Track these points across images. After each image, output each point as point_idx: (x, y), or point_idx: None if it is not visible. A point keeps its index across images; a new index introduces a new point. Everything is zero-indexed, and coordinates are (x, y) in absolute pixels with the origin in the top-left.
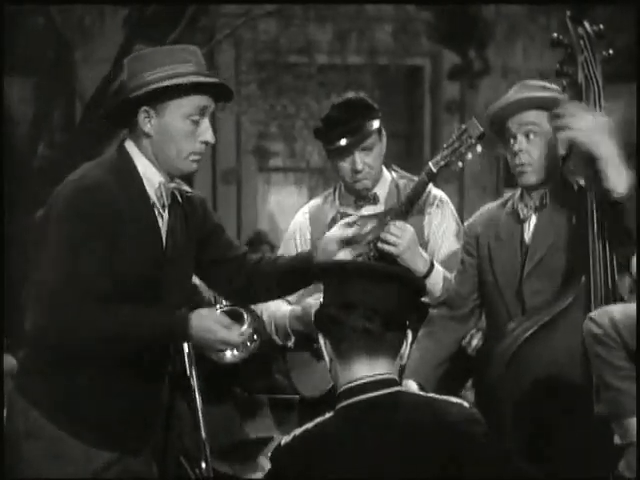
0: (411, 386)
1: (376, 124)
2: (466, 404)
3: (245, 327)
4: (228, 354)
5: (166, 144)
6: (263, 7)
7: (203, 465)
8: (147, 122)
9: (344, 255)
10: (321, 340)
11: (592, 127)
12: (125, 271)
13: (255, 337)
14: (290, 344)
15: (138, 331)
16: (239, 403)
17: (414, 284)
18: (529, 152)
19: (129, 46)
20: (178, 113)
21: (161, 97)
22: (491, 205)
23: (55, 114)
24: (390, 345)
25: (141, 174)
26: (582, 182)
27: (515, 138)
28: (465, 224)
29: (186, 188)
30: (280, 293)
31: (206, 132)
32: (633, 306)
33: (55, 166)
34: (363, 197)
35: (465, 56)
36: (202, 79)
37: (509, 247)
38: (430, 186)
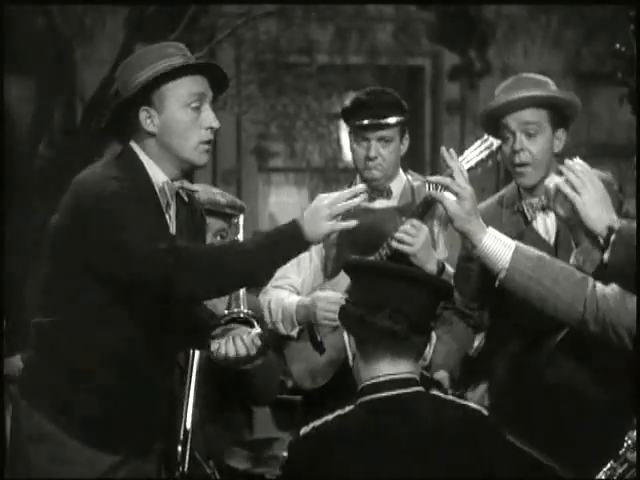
0: (442, 376)
1: (396, 119)
2: (485, 411)
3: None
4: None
5: (172, 139)
6: (263, 7)
7: (185, 466)
8: (149, 121)
9: (331, 228)
10: (346, 337)
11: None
12: (134, 270)
13: (265, 349)
14: (294, 333)
15: (264, 257)
16: (241, 406)
17: (441, 288)
18: (529, 150)
19: (130, 46)
20: (177, 104)
21: (154, 89)
22: (485, 204)
23: (55, 114)
24: (414, 347)
25: (149, 173)
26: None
27: (514, 136)
28: None
29: (191, 186)
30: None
31: (208, 117)
32: None
33: (56, 167)
34: (377, 190)
35: (465, 56)
36: (189, 61)
37: None
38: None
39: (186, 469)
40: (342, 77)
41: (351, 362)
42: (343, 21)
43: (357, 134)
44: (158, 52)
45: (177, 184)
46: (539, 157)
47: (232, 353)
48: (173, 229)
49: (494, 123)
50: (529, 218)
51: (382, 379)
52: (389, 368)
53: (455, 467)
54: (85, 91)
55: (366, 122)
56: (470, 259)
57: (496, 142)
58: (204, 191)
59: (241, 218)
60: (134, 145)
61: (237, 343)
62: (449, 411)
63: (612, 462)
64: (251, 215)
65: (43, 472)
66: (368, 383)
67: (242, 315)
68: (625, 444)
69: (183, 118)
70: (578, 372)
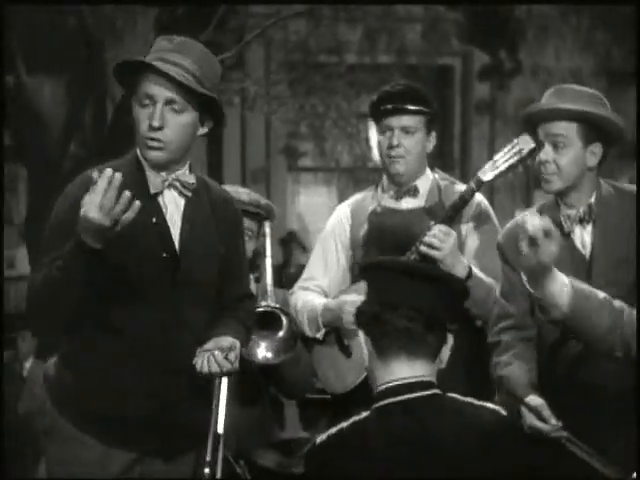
0: (538, 402)
1: (417, 107)
2: (503, 411)
3: None
4: (260, 355)
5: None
6: (293, 7)
7: (218, 470)
8: (133, 112)
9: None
10: (362, 337)
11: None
12: (126, 265)
13: (292, 343)
14: (319, 336)
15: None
16: (272, 403)
17: (457, 287)
18: (556, 162)
19: None
20: (135, 100)
21: (129, 80)
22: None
23: (86, 114)
24: (430, 346)
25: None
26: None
27: (542, 146)
28: (501, 238)
29: (188, 179)
30: None
31: (154, 115)
32: None
33: (86, 166)
34: (404, 188)
35: (495, 56)
36: (147, 60)
37: (560, 260)
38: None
39: (218, 473)
40: (371, 77)
41: (366, 362)
42: (372, 21)
43: (381, 126)
44: (157, 44)
45: (172, 176)
46: (565, 170)
47: (205, 370)
48: (171, 218)
49: (531, 130)
50: (566, 230)
51: (398, 382)
52: (405, 369)
53: (477, 469)
54: (115, 91)
55: (389, 106)
56: (515, 268)
57: (527, 147)
58: (231, 191)
59: (267, 226)
60: None
61: (210, 361)
62: (468, 413)
63: None
64: (280, 214)
65: (53, 468)
66: (383, 387)
67: (269, 309)
68: None
69: (136, 114)
70: (607, 371)
